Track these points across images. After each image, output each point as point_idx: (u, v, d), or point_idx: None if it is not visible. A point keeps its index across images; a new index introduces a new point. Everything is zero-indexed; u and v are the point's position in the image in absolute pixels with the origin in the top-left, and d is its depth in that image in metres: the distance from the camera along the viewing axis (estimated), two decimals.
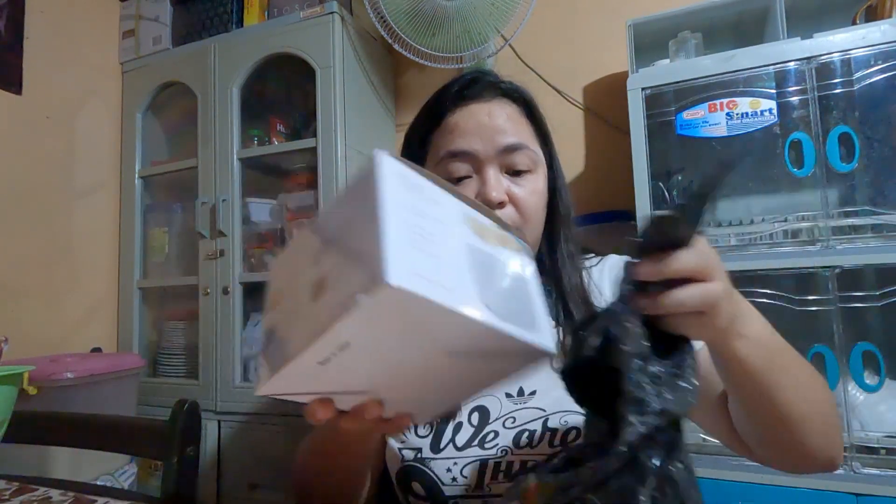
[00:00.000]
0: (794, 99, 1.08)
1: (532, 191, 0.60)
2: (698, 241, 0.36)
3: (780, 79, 1.09)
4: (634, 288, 0.36)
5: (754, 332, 0.40)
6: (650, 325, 0.36)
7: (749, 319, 0.40)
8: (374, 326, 0.27)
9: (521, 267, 0.34)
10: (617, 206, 1.34)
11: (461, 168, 0.59)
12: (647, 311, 0.36)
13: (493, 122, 0.59)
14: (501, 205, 0.58)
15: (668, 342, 0.36)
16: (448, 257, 0.29)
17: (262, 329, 0.36)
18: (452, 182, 0.59)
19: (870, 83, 1.05)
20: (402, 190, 0.30)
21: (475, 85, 0.62)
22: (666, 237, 0.36)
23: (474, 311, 0.28)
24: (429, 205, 0.31)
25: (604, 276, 0.66)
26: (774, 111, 1.08)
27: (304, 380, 0.31)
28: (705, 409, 0.54)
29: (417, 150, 0.65)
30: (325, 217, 0.35)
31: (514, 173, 0.60)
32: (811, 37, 1.05)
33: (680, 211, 0.35)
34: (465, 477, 0.56)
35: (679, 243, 0.36)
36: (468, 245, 0.31)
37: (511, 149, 0.58)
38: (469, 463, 0.57)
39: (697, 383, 0.35)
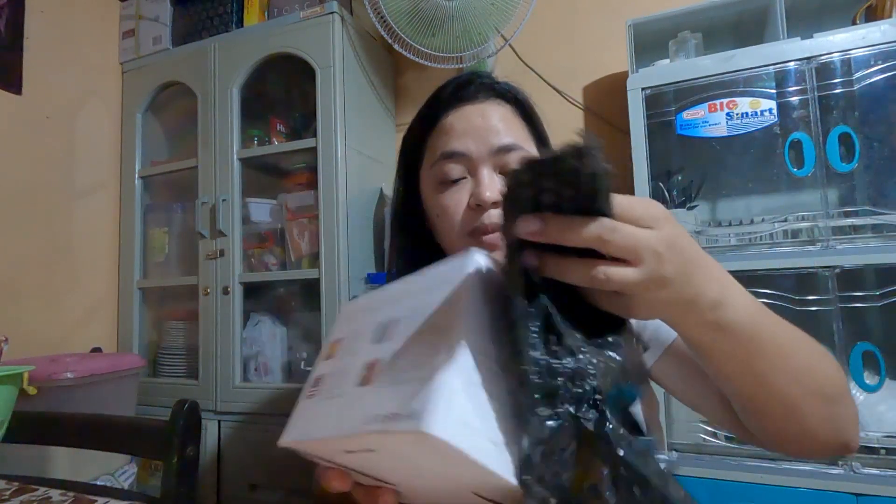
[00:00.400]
0: (794, 99, 1.08)
1: None
2: (632, 210, 0.30)
3: (780, 79, 1.09)
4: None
5: (728, 319, 0.35)
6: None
7: (719, 305, 0.35)
8: (404, 452, 0.27)
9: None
10: None
11: (456, 169, 0.60)
12: (526, 264, 0.31)
13: (487, 122, 0.60)
14: (496, 205, 0.58)
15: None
16: (511, 397, 0.28)
17: (313, 372, 0.36)
18: (447, 184, 0.60)
19: (870, 83, 1.05)
20: (484, 307, 0.29)
21: (469, 86, 0.62)
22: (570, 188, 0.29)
23: (513, 476, 0.26)
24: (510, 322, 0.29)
25: None
26: (774, 111, 1.08)
27: (327, 453, 0.32)
28: (706, 399, 0.53)
29: (414, 152, 0.65)
30: (409, 286, 0.34)
31: None
32: (811, 37, 1.05)
33: (577, 153, 0.27)
34: None
35: (591, 203, 0.29)
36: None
37: (505, 149, 0.59)
38: None
39: (622, 358, 0.30)
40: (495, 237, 0.58)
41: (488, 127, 0.59)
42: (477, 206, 0.58)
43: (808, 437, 0.42)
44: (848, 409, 0.43)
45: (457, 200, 0.59)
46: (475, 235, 0.59)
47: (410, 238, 0.67)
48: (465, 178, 0.60)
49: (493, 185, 0.58)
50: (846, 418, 0.43)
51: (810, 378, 0.40)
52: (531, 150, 0.62)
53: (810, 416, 0.41)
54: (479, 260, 0.31)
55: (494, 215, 0.58)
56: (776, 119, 1.08)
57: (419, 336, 0.29)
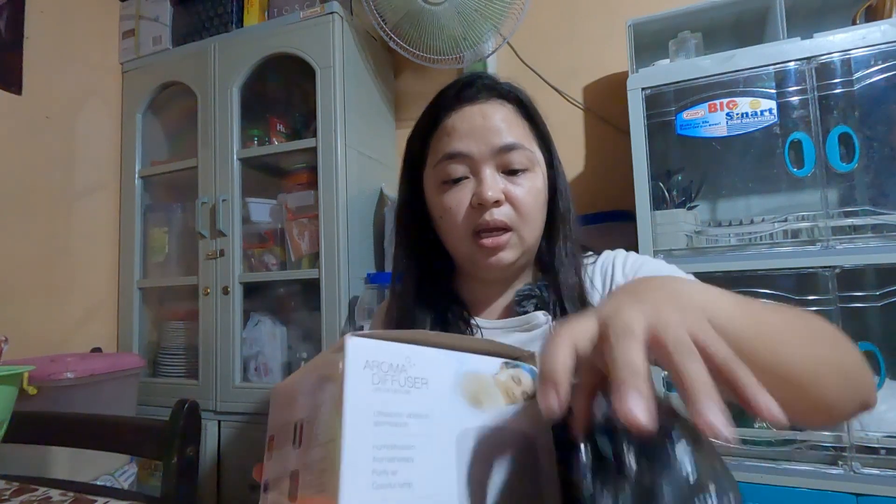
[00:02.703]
0: (794, 99, 1.08)
1: (529, 189, 0.60)
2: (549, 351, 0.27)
3: (780, 79, 1.09)
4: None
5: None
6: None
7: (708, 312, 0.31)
8: None
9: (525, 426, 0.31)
10: (617, 206, 1.34)
11: (458, 169, 0.60)
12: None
13: (488, 123, 0.60)
14: (498, 203, 0.59)
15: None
16: (428, 471, 0.27)
17: (264, 476, 0.34)
18: (450, 184, 0.60)
19: (870, 83, 1.05)
20: (371, 395, 0.27)
21: (470, 88, 0.63)
22: None
23: None
24: (409, 394, 0.28)
25: (596, 272, 0.67)
26: (774, 111, 1.08)
27: None
28: None
29: (417, 153, 0.66)
30: (306, 373, 0.32)
31: (511, 172, 0.60)
32: (811, 37, 1.05)
33: None
34: None
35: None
36: (459, 435, 0.29)
37: (506, 149, 0.59)
38: None
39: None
40: (494, 240, 0.59)
41: (489, 127, 0.60)
42: (479, 205, 0.59)
43: (825, 409, 0.41)
44: (859, 371, 0.41)
45: (458, 200, 0.60)
46: (477, 234, 0.59)
47: (415, 239, 0.68)
48: (467, 177, 0.60)
49: (494, 185, 0.59)
50: (858, 380, 0.41)
51: (815, 352, 0.39)
52: (532, 148, 0.62)
53: (825, 389, 0.39)
54: (352, 345, 0.28)
55: (496, 213, 0.58)
56: (776, 119, 1.08)
57: (319, 436, 0.28)
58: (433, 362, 0.30)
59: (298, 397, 0.32)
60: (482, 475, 0.29)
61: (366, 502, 0.25)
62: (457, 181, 0.60)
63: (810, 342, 0.39)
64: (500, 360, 0.32)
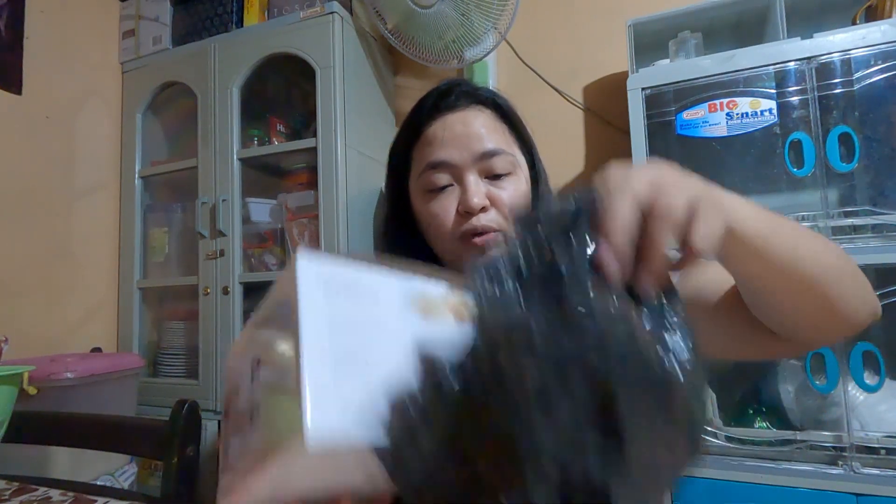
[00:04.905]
0: (794, 99, 1.08)
1: (513, 193, 0.61)
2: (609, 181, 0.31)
3: (780, 79, 1.09)
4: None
5: (743, 222, 0.39)
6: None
7: (733, 210, 0.38)
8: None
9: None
10: None
11: (442, 178, 0.61)
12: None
13: (469, 129, 0.61)
14: (484, 209, 0.59)
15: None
16: (386, 368, 0.28)
17: (224, 436, 0.35)
18: (435, 192, 0.62)
19: (870, 83, 1.05)
20: (326, 304, 0.28)
21: (450, 95, 0.64)
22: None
23: None
24: (363, 305, 0.30)
25: None
26: (774, 111, 1.08)
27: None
28: (710, 323, 0.51)
29: (400, 163, 0.67)
30: (261, 317, 0.33)
31: (494, 177, 0.61)
32: (811, 37, 1.05)
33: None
34: None
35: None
36: (412, 337, 0.30)
37: (488, 154, 0.60)
38: None
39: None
40: (485, 239, 0.59)
41: (470, 134, 0.61)
42: (466, 213, 0.60)
43: (843, 317, 0.43)
44: (866, 282, 0.44)
45: (445, 207, 0.61)
46: (466, 238, 0.60)
47: (402, 243, 0.68)
48: (451, 185, 0.61)
49: (479, 191, 0.60)
50: (867, 289, 0.44)
51: (833, 259, 0.41)
52: (514, 152, 0.63)
53: (845, 294, 0.42)
54: (303, 261, 0.29)
55: (483, 218, 0.59)
56: (776, 119, 1.08)
57: (277, 355, 0.29)
58: (382, 282, 0.31)
59: (257, 335, 0.32)
60: None
61: (327, 400, 0.25)
62: (442, 189, 0.61)
63: (822, 248, 0.42)
64: (447, 285, 0.34)
